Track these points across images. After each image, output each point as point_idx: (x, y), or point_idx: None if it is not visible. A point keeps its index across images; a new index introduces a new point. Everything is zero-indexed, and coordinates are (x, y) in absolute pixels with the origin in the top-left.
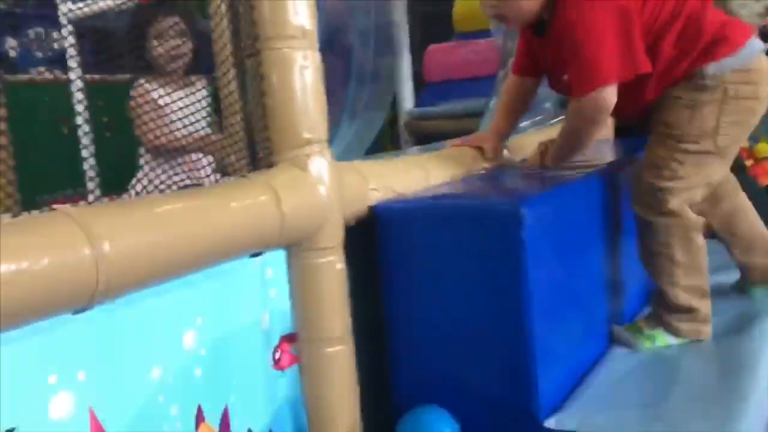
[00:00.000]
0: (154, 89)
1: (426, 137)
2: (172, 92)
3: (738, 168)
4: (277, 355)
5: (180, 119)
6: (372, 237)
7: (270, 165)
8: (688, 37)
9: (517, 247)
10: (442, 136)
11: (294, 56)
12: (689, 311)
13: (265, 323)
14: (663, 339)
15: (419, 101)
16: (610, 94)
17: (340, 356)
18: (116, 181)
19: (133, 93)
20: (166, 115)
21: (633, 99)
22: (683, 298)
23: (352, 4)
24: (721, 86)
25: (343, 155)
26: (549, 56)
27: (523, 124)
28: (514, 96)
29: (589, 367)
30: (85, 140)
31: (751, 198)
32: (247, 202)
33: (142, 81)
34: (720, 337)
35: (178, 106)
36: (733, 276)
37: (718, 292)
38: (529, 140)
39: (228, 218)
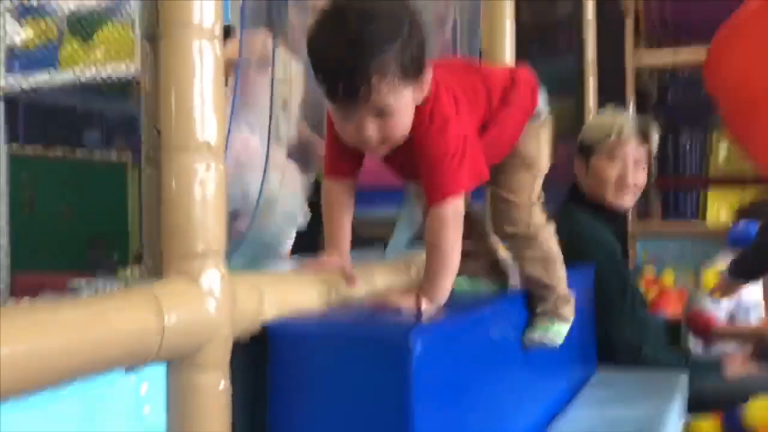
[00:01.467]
0: None
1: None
2: None
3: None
4: None
5: None
6: (264, 355)
7: (159, 275)
8: (516, 101)
9: (405, 376)
10: (360, 242)
11: (196, 168)
12: (568, 296)
13: None
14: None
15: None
16: (462, 201)
17: None
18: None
19: None
20: None
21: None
22: (564, 286)
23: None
24: (545, 115)
25: (246, 265)
26: (395, 161)
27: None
28: (345, 202)
29: None
30: None
31: (654, 334)
32: (125, 313)
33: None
34: None
35: None
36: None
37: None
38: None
39: (102, 329)
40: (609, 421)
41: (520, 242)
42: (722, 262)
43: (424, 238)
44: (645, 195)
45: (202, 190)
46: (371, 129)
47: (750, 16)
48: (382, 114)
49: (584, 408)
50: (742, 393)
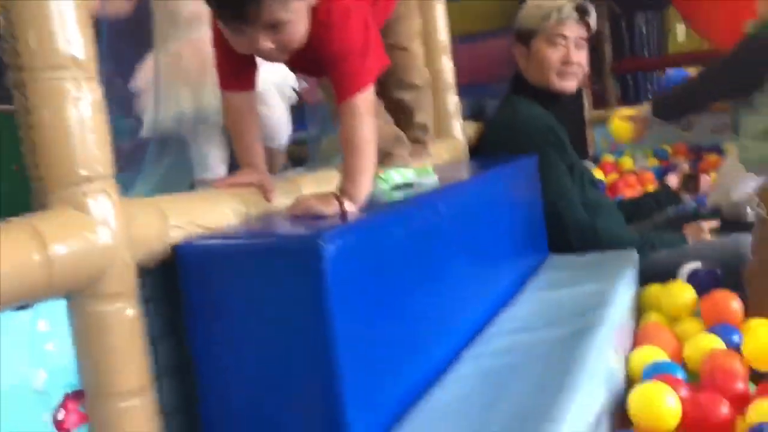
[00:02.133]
0: None
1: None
2: None
3: (590, 182)
4: (61, 416)
5: None
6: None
7: (43, 206)
8: None
9: (318, 284)
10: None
11: (65, 87)
12: None
13: (40, 382)
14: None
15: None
16: (372, 92)
17: (135, 410)
18: None
19: None
20: None
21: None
22: None
23: None
24: None
25: (157, 190)
26: (298, 62)
27: None
28: (249, 114)
29: (418, 394)
30: None
31: (608, 213)
32: (2, 250)
33: None
34: (552, 348)
35: None
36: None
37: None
38: None
39: None
40: (558, 301)
41: (422, 92)
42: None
43: (339, 136)
44: (601, 80)
45: (77, 111)
46: (266, 42)
47: None
48: (276, 28)
49: (534, 292)
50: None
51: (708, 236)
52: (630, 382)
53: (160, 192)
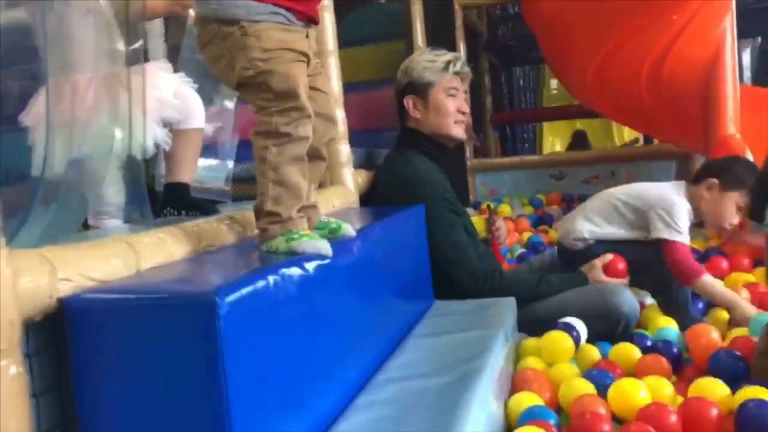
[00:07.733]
0: None
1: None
2: None
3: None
4: None
5: None
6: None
7: None
8: None
9: (212, 340)
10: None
11: None
12: None
13: None
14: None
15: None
16: None
17: None
18: None
19: None
20: None
21: None
22: None
23: None
24: None
25: (44, 237)
26: None
27: None
28: None
29: None
30: None
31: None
32: None
33: None
34: (439, 395)
35: None
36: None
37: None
38: None
39: None
40: (443, 348)
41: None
42: None
43: None
44: (482, 131)
45: None
46: None
47: None
48: None
49: (421, 338)
50: (565, 313)
51: (600, 273)
52: (509, 426)
53: (48, 237)
